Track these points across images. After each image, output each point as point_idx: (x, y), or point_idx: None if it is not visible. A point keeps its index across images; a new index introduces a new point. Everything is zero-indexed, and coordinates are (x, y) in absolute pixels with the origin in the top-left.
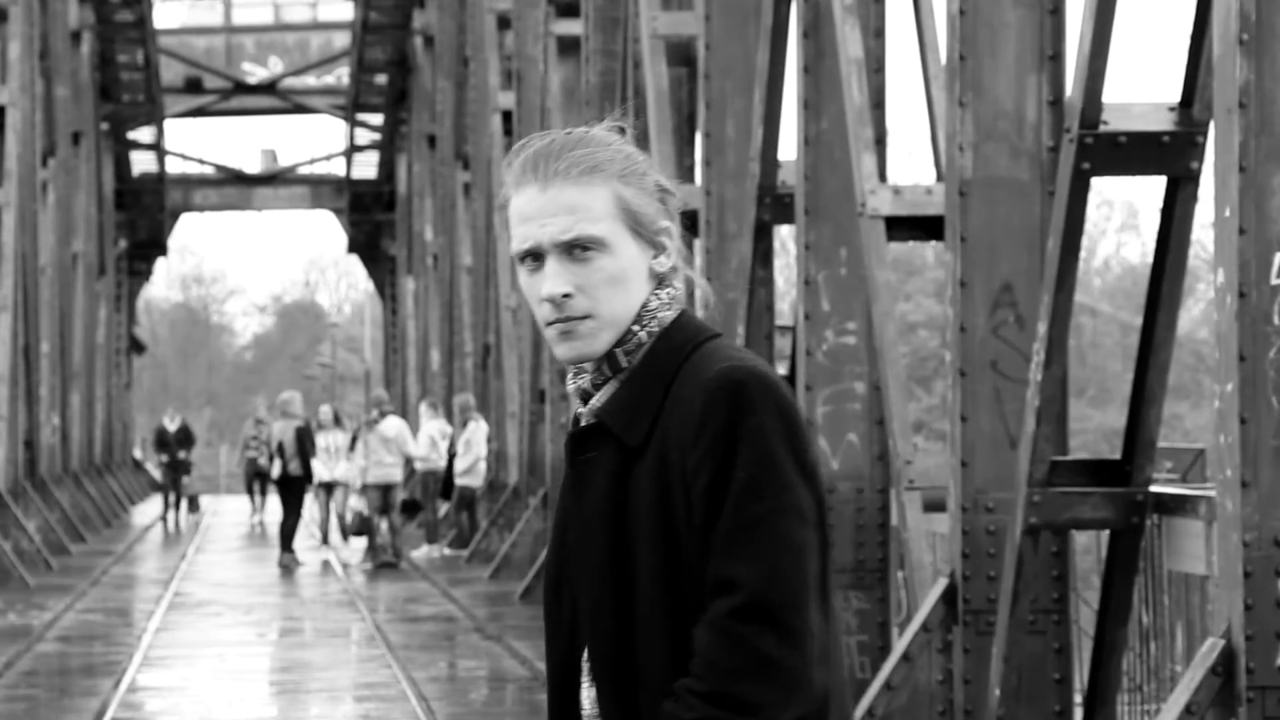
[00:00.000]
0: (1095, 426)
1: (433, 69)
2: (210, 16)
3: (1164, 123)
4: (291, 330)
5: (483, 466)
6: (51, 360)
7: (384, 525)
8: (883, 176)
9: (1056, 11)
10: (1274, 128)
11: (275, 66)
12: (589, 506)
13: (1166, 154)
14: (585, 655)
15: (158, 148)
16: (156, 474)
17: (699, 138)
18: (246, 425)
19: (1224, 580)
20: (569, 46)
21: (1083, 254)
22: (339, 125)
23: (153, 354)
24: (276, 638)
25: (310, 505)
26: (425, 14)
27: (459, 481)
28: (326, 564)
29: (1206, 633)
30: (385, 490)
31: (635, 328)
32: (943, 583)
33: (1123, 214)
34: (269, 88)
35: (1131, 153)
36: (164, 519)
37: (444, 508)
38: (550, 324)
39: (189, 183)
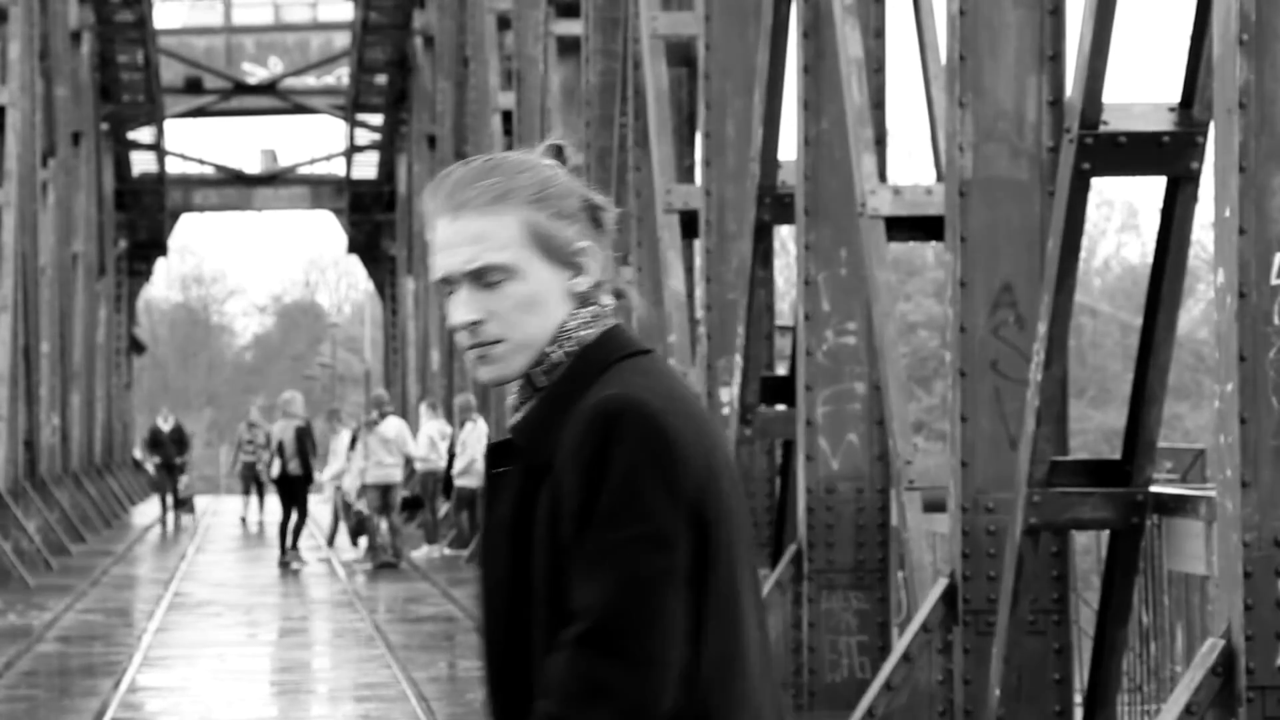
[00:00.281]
0: (1095, 426)
1: (433, 69)
2: (210, 16)
3: (1164, 123)
4: (291, 330)
5: (480, 466)
6: (51, 360)
7: (384, 525)
8: (883, 177)
9: (1056, 11)
10: (1274, 128)
11: (275, 67)
12: (495, 521)
13: (1166, 154)
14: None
15: (158, 148)
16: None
17: (699, 138)
18: (240, 428)
19: (1224, 580)
20: (569, 46)
21: (1083, 254)
22: (339, 125)
23: (153, 354)
24: (276, 638)
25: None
26: (425, 14)
27: (457, 482)
28: (328, 564)
29: (1206, 633)
30: (385, 491)
31: (551, 348)
32: (943, 583)
33: (1123, 214)
34: (269, 88)
35: (1131, 153)
36: (162, 520)
37: (444, 508)
38: (467, 349)
39: (189, 183)
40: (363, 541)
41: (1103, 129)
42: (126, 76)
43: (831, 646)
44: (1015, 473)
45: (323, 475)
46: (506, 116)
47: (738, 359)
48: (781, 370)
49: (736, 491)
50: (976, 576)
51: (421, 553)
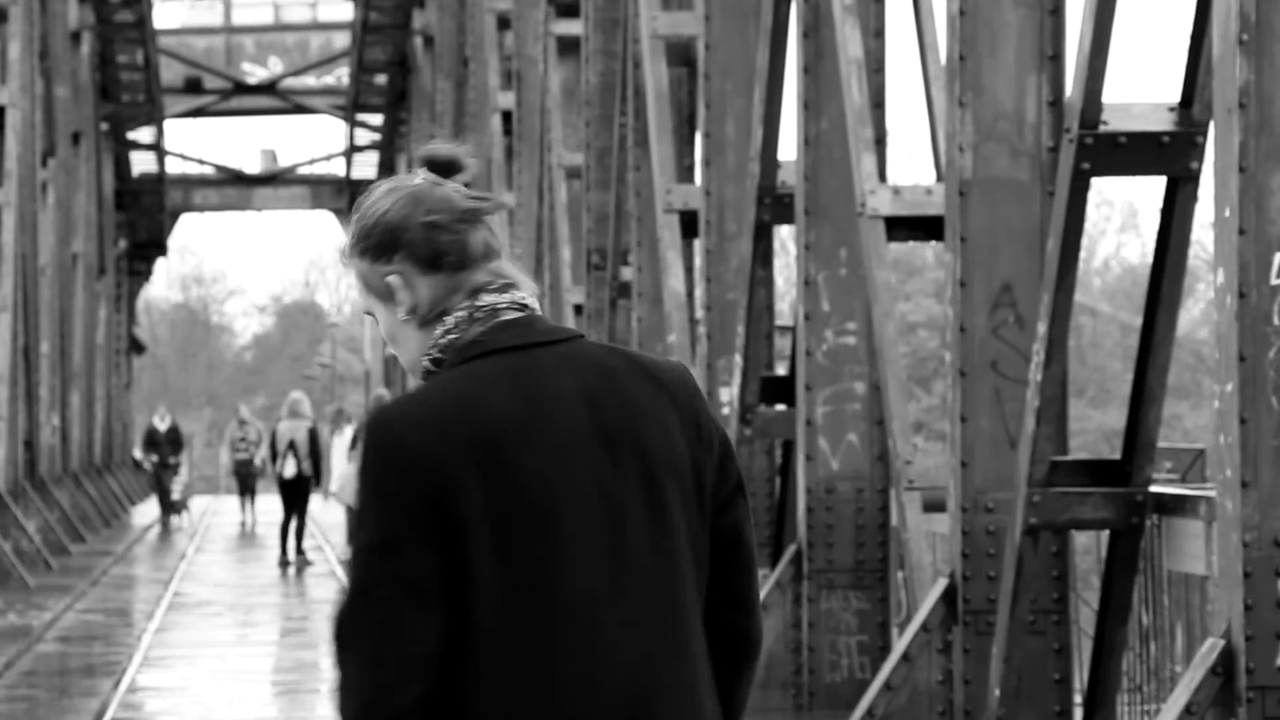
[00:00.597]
0: (1095, 426)
1: (433, 69)
2: (210, 16)
3: (1164, 123)
4: (291, 330)
5: None
6: (51, 360)
7: None
8: (883, 176)
9: (1056, 11)
10: (1274, 128)
11: (275, 67)
12: None
13: (1166, 154)
14: None
15: (158, 148)
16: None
17: (699, 138)
18: (230, 427)
19: (1224, 580)
20: (569, 46)
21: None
22: (339, 125)
23: (153, 354)
24: (276, 638)
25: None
26: (425, 14)
27: None
28: (328, 563)
29: (1206, 633)
30: None
31: (425, 361)
32: (943, 583)
33: (1123, 214)
34: (269, 88)
35: (1131, 153)
36: (162, 521)
37: None
38: None
39: (189, 183)
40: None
41: (1103, 129)
42: (126, 76)
43: (831, 646)
44: (1015, 473)
45: (333, 485)
46: (506, 116)
47: (738, 359)
48: (781, 370)
49: (550, 489)
50: (976, 576)
51: None
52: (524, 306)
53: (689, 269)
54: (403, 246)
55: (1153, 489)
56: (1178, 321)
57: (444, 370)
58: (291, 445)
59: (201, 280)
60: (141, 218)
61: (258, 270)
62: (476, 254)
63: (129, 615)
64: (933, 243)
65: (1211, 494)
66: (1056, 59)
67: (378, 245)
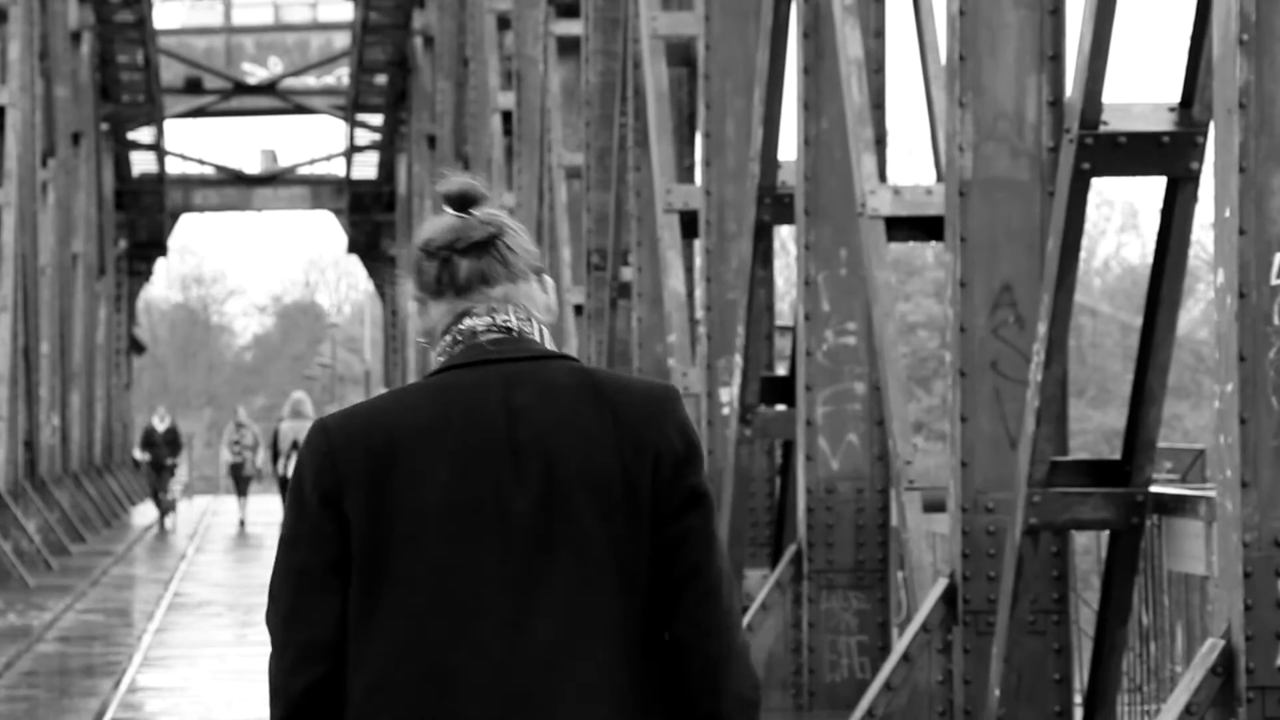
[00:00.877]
0: (1095, 426)
1: (433, 69)
2: (210, 17)
3: (1164, 123)
4: (291, 330)
5: None
6: (51, 360)
7: None
8: (883, 177)
9: (1056, 11)
10: (1274, 128)
11: (275, 67)
12: None
13: (1166, 154)
14: None
15: (158, 148)
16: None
17: (699, 138)
18: (228, 428)
19: (1224, 580)
20: (569, 47)
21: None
22: (339, 126)
23: (153, 354)
24: None
25: None
26: (425, 14)
27: None
28: None
29: (1206, 633)
30: None
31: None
32: (943, 583)
33: (1123, 214)
34: (269, 88)
35: (1131, 153)
36: (159, 521)
37: None
38: None
39: (189, 183)
40: None
41: (1103, 129)
42: (126, 76)
43: (831, 646)
44: (1015, 473)
45: None
46: (506, 116)
47: (738, 359)
48: (781, 370)
49: (439, 493)
50: (976, 576)
51: None
52: (506, 329)
53: (689, 269)
54: (416, 275)
55: (1153, 489)
56: (1178, 321)
57: None
58: (294, 445)
59: (201, 280)
60: (141, 218)
61: (258, 270)
62: (469, 281)
63: (129, 615)
64: (933, 243)
65: (1211, 494)
66: (1056, 59)
67: (411, 273)
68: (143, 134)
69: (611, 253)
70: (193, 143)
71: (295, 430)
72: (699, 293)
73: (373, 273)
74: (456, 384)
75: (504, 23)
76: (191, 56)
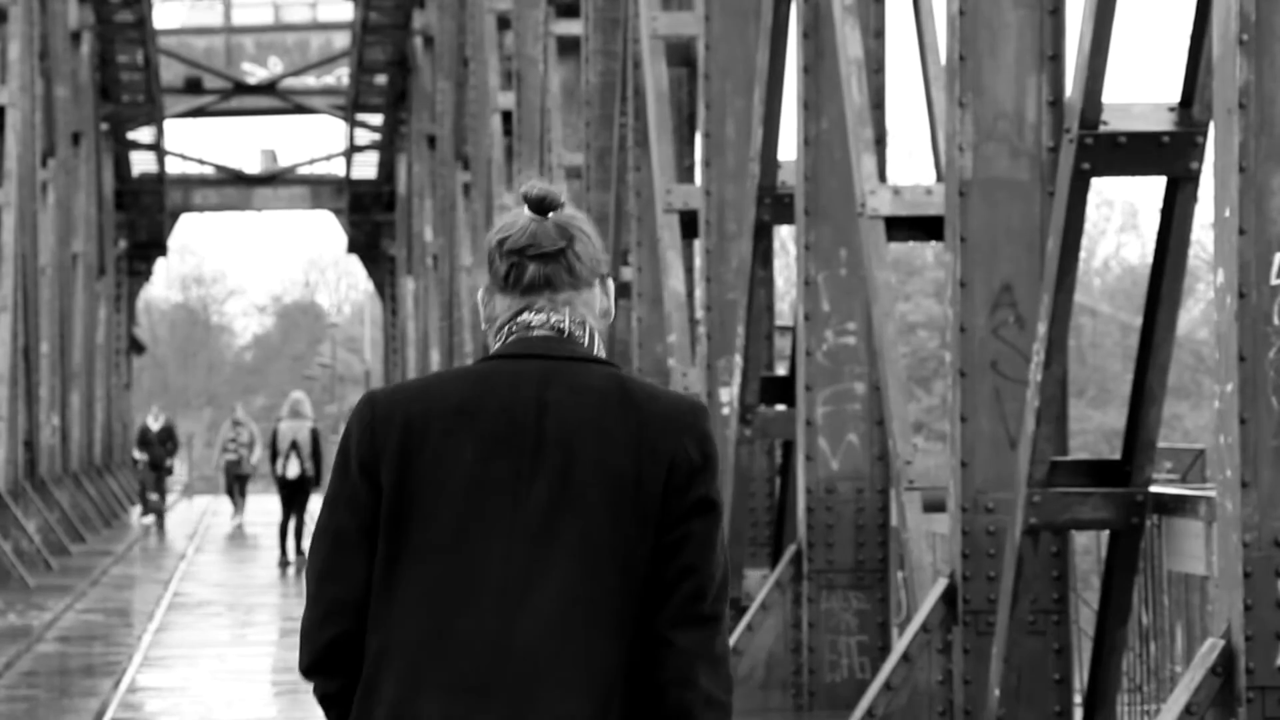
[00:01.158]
0: (1095, 426)
1: (433, 69)
2: (210, 16)
3: (1164, 123)
4: (291, 330)
5: None
6: (51, 360)
7: None
8: (883, 177)
9: (1056, 11)
10: (1274, 128)
11: (275, 67)
12: None
13: (1166, 154)
14: None
15: (158, 148)
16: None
17: (699, 138)
18: (224, 428)
19: (1224, 580)
20: (569, 47)
21: (1083, 254)
22: (339, 125)
23: (153, 354)
24: (276, 638)
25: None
26: (425, 14)
27: None
28: None
29: (1206, 633)
30: None
31: None
32: (943, 583)
33: (1123, 214)
34: (269, 88)
35: (1131, 153)
36: (159, 524)
37: None
38: None
39: (189, 183)
40: None
41: (1103, 129)
42: (126, 76)
43: (831, 646)
44: (1015, 473)
45: None
46: (506, 116)
47: (738, 359)
48: (781, 370)
49: (461, 470)
50: (976, 576)
51: None
52: (558, 329)
53: (689, 269)
54: (489, 265)
55: (1153, 489)
56: (1178, 321)
57: None
58: (294, 445)
59: (201, 280)
60: (141, 218)
61: (258, 270)
62: (533, 282)
63: (129, 615)
64: (933, 243)
65: (1211, 494)
66: (1056, 59)
67: (486, 262)
68: (143, 134)
69: (611, 253)
70: (193, 143)
71: (294, 430)
72: (699, 293)
73: (373, 273)
74: (497, 372)
75: (504, 23)
76: (191, 56)
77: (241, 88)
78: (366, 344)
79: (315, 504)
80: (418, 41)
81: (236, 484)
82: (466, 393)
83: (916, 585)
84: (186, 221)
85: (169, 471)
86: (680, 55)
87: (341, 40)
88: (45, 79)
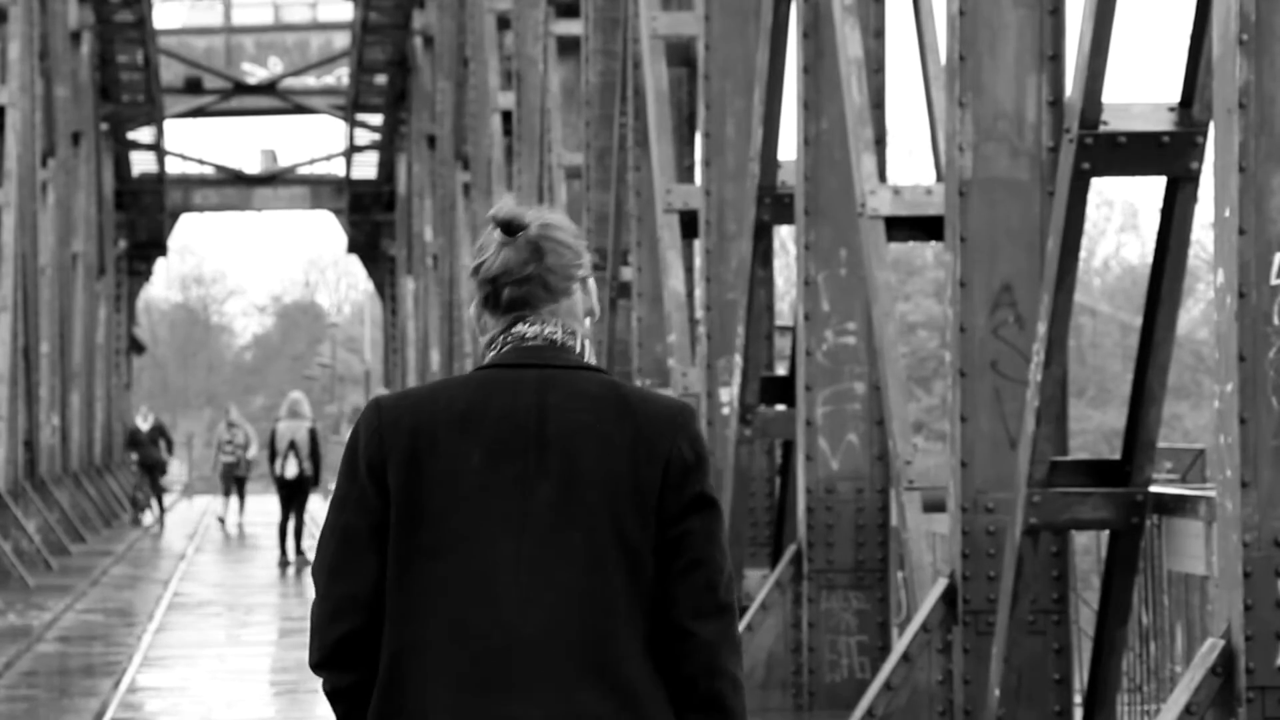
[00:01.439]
0: (1095, 426)
1: (433, 69)
2: (210, 17)
3: (1164, 123)
4: (291, 330)
5: None
6: (51, 360)
7: None
8: (883, 176)
9: (1056, 11)
10: (1274, 128)
11: (275, 67)
12: None
13: (1166, 154)
14: None
15: (158, 148)
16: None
17: (699, 138)
18: (219, 428)
19: (1224, 580)
20: (569, 46)
21: (1083, 254)
22: (339, 125)
23: (153, 354)
24: (276, 638)
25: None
26: (425, 14)
27: None
28: None
29: (1206, 633)
30: None
31: None
32: (943, 583)
33: (1123, 214)
34: (269, 88)
35: (1131, 153)
36: (159, 520)
37: None
38: None
39: (189, 183)
40: None
41: (1103, 129)
42: (126, 76)
43: (831, 646)
44: (1015, 473)
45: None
46: (506, 116)
47: (737, 359)
48: (781, 370)
49: (468, 474)
50: (976, 576)
51: None
52: (551, 340)
53: (689, 269)
54: (475, 287)
55: (1153, 489)
56: (1178, 321)
57: None
58: (292, 445)
59: (201, 280)
60: (141, 218)
61: (258, 270)
62: (512, 304)
63: (129, 615)
64: (933, 243)
65: (1211, 494)
66: (1056, 59)
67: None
68: (143, 134)
69: (611, 253)
70: (193, 143)
71: (292, 430)
72: (699, 293)
73: (373, 273)
74: (498, 380)
75: (504, 23)
76: (191, 56)
77: (241, 88)
78: (366, 344)
79: (314, 504)
80: (418, 41)
81: (234, 485)
82: (470, 399)
83: (916, 585)
84: (186, 221)
85: (163, 471)
86: (680, 55)
87: (341, 40)
88: (45, 79)
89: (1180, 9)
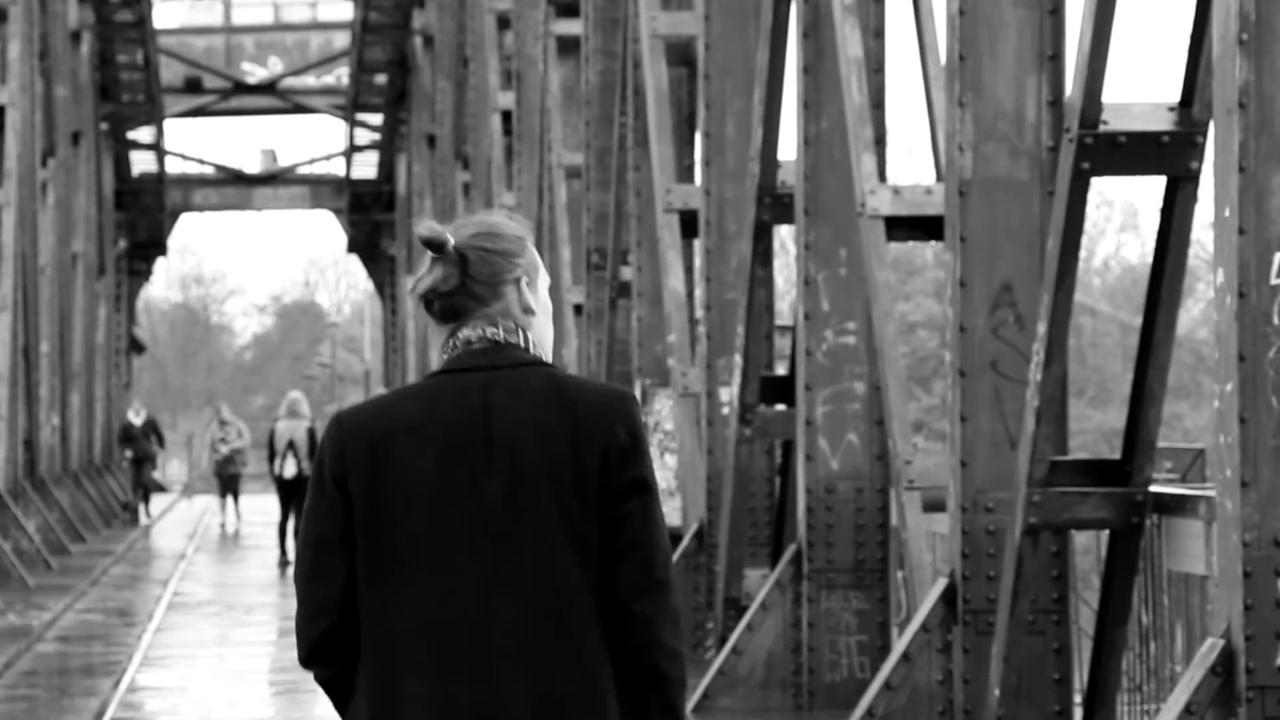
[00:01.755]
0: (1095, 426)
1: (432, 69)
2: (210, 16)
3: (1164, 123)
4: (291, 330)
5: None
6: (51, 360)
7: None
8: (883, 176)
9: (1056, 11)
10: (1274, 128)
11: (275, 66)
12: None
13: (1166, 154)
14: None
15: (157, 148)
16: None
17: (699, 138)
18: (212, 428)
19: (1224, 580)
20: (569, 46)
21: (1083, 254)
22: (339, 125)
23: (153, 354)
24: (275, 637)
25: None
26: (425, 14)
27: None
28: None
29: (1206, 633)
30: None
31: None
32: (942, 583)
33: (1123, 214)
34: (269, 88)
35: (1131, 153)
36: (148, 514)
37: None
38: None
39: (189, 183)
40: None
41: (1102, 129)
42: (126, 76)
43: (831, 646)
44: (1015, 473)
45: None
46: (506, 116)
47: (737, 359)
48: (781, 370)
49: (425, 477)
50: (976, 576)
51: None
52: (494, 341)
53: (689, 269)
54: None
55: (1153, 489)
56: (1178, 321)
57: None
58: (291, 445)
59: (201, 280)
60: (141, 218)
61: (258, 270)
62: (446, 315)
63: (129, 615)
64: (933, 243)
65: (1211, 494)
66: (1056, 59)
67: None
68: (142, 134)
69: (611, 252)
70: (192, 142)
71: (291, 430)
72: (699, 292)
73: (372, 272)
74: (445, 386)
75: (504, 22)
76: (191, 56)
77: (241, 87)
78: (366, 344)
79: None
80: (418, 41)
81: (229, 484)
82: (421, 408)
83: (916, 585)
84: (186, 221)
85: (154, 465)
86: (680, 55)
87: (341, 40)
88: (45, 79)
89: (1180, 9)
